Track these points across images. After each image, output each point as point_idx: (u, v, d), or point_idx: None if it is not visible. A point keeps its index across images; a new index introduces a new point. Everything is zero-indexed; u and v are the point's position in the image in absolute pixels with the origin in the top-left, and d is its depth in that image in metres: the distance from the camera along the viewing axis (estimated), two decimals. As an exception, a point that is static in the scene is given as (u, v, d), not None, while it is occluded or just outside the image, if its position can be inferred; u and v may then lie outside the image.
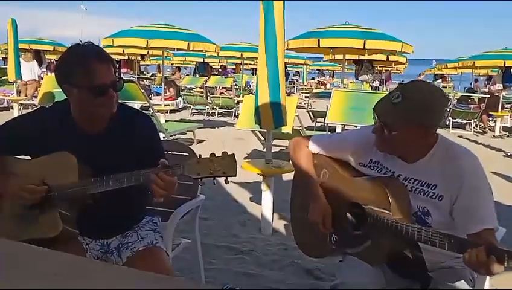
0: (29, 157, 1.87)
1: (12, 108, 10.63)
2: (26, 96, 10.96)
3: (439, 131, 1.75)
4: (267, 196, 3.79)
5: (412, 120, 1.60)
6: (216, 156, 1.61)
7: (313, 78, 25.19)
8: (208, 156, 1.62)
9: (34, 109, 2.05)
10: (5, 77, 11.55)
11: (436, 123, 1.66)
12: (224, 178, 1.62)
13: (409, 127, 1.61)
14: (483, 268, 1.40)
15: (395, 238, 1.63)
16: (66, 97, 1.80)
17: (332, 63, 20.79)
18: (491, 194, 1.66)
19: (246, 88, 15.62)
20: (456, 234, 1.54)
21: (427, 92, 1.64)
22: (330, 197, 1.86)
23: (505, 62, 11.16)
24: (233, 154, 1.62)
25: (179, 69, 20.55)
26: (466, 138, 9.87)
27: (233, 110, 12.23)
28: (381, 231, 1.64)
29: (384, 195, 1.68)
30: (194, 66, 21.35)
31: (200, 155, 1.65)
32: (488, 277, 1.77)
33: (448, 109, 11.22)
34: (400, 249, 1.67)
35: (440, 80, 20.26)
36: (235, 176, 1.62)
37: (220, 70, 20.82)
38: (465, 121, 11.18)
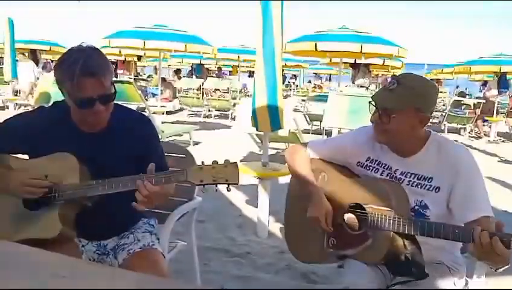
0: (27, 157, 1.86)
1: (8, 108, 10.59)
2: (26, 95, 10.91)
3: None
4: (263, 199, 3.79)
5: (409, 103, 1.67)
6: (218, 163, 1.62)
7: (309, 82, 25.22)
8: (211, 163, 1.62)
9: (34, 107, 2.04)
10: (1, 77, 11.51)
11: (430, 108, 1.73)
12: (226, 185, 1.62)
13: (406, 110, 1.68)
14: (489, 254, 1.43)
15: (395, 235, 1.66)
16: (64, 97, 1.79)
17: (329, 67, 20.86)
18: (484, 183, 1.71)
19: (242, 91, 15.64)
20: (454, 223, 1.60)
21: (420, 79, 1.77)
22: (330, 200, 1.86)
23: (500, 68, 11.26)
24: (236, 162, 1.63)
25: (178, 71, 20.05)
26: (461, 143, 9.89)
27: (229, 112, 12.23)
28: (382, 229, 1.66)
29: (384, 193, 1.71)
30: (190, 68, 21.23)
31: (202, 162, 1.65)
32: (484, 278, 1.79)
33: (444, 114, 11.29)
34: (399, 246, 1.69)
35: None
36: (238, 184, 1.63)
37: (216, 72, 20.75)
38: (460, 126, 11.23)
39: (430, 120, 1.77)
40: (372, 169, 1.83)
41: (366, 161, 1.85)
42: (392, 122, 1.69)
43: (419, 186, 1.72)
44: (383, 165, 1.80)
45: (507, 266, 1.48)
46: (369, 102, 1.76)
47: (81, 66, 1.62)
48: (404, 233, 1.64)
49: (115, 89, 1.73)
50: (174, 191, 1.92)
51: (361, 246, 1.74)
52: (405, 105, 1.67)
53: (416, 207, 1.70)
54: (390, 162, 1.79)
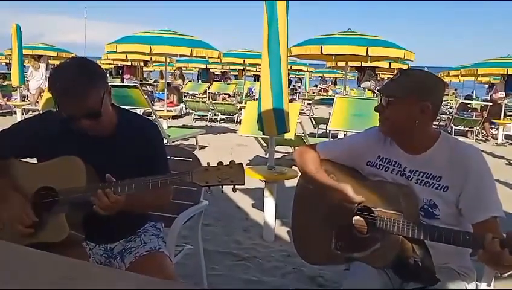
0: (36, 160, 1.87)
1: (16, 113, 10.67)
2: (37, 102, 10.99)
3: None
4: (269, 202, 3.79)
5: (408, 90, 1.70)
6: (224, 164, 1.62)
7: (315, 86, 25.20)
8: (216, 164, 1.63)
9: (41, 112, 2.05)
10: (9, 82, 11.61)
11: (431, 97, 1.72)
12: (232, 186, 1.62)
13: (405, 98, 1.70)
14: (498, 261, 1.42)
15: (403, 240, 1.65)
16: None
17: (335, 70, 20.85)
18: (495, 183, 1.70)
19: (248, 94, 15.67)
20: (464, 223, 1.63)
21: (424, 72, 1.81)
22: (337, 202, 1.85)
23: (507, 70, 11.18)
24: (241, 163, 1.63)
25: (179, 69, 19.95)
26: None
27: (235, 116, 12.25)
28: (391, 233, 1.65)
29: (393, 196, 1.70)
30: (197, 72, 21.33)
31: (208, 163, 1.65)
32: (493, 282, 1.78)
33: (450, 117, 11.24)
34: (408, 251, 1.68)
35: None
36: (243, 184, 1.63)
37: (221, 75, 20.74)
38: (467, 129, 11.16)
39: (437, 123, 1.77)
40: (383, 167, 1.82)
41: (376, 160, 1.85)
42: (390, 108, 1.72)
43: (427, 185, 1.71)
44: (393, 163, 1.80)
45: None
46: (379, 94, 1.81)
47: (60, 87, 1.66)
48: (413, 238, 1.63)
49: (102, 101, 1.71)
50: (181, 194, 1.93)
51: (369, 249, 1.72)
52: (404, 92, 1.71)
53: (426, 206, 1.69)
54: (400, 159, 1.79)
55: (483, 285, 1.81)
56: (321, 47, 7.71)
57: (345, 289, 1.71)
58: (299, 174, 2.08)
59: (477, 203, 1.63)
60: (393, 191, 1.72)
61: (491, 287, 1.81)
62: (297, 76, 25.49)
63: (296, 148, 2.18)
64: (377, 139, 1.86)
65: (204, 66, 19.60)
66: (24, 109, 10.53)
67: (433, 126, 1.80)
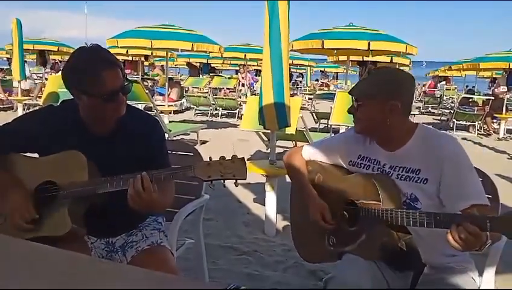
0: (37, 155, 1.87)
1: (17, 108, 10.67)
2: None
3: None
4: (270, 197, 3.79)
5: (375, 90, 1.73)
6: (226, 159, 1.62)
7: (317, 80, 25.13)
8: (218, 159, 1.63)
9: (43, 107, 2.04)
10: (10, 77, 11.60)
11: (400, 97, 1.72)
12: (234, 181, 1.63)
13: (373, 98, 1.72)
14: (467, 241, 1.38)
15: (387, 228, 1.67)
16: (72, 97, 1.80)
17: (336, 65, 20.79)
18: (475, 171, 1.69)
19: (249, 89, 15.63)
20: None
21: (392, 70, 1.85)
22: (326, 199, 1.90)
23: (509, 64, 11.14)
24: (243, 157, 1.64)
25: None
26: (470, 140, 9.83)
27: (236, 111, 12.24)
28: (373, 223, 1.68)
29: (373, 187, 1.72)
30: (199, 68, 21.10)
31: (210, 158, 1.66)
32: (494, 279, 1.78)
33: (452, 111, 11.20)
34: (392, 239, 1.70)
35: (444, 82, 20.23)
36: (245, 179, 1.63)
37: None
38: (468, 123, 11.14)
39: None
40: (364, 166, 1.85)
41: (357, 159, 1.88)
42: (360, 109, 1.76)
43: (407, 179, 1.72)
44: (373, 161, 1.83)
45: (489, 244, 1.43)
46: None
47: (100, 61, 1.66)
48: (397, 226, 1.64)
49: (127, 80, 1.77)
50: (182, 188, 1.93)
51: (357, 242, 1.75)
52: (370, 92, 1.73)
53: (407, 200, 1.70)
54: (379, 157, 1.81)
55: (485, 282, 1.81)
56: (322, 41, 7.70)
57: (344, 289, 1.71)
58: None
59: (456, 193, 1.62)
60: (372, 182, 1.74)
61: (492, 287, 1.81)
62: (298, 71, 25.42)
63: (295, 145, 2.24)
64: (357, 139, 1.89)
65: (205, 61, 19.55)
66: (25, 104, 10.53)
67: (410, 120, 1.81)
